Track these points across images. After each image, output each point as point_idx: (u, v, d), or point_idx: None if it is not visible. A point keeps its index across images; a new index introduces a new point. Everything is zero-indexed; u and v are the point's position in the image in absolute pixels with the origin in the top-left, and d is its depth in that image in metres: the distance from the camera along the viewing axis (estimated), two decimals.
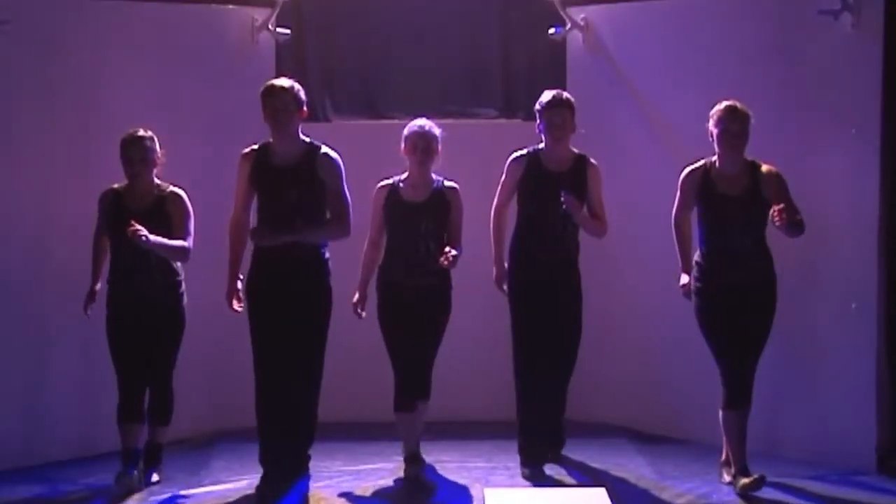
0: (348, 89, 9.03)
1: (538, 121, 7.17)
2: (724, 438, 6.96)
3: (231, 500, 6.91)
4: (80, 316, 7.03)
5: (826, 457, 7.35)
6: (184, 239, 6.95)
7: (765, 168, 6.83)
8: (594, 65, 8.67)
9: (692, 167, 6.95)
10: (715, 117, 6.82)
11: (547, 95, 7.19)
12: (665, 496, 6.92)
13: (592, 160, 7.23)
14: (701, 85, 7.95)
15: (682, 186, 6.99)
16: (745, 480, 6.75)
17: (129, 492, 6.87)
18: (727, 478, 6.97)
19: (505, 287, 7.24)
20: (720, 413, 6.90)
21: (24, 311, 7.54)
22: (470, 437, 8.20)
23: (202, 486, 7.21)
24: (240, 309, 6.90)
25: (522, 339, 7.19)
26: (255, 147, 6.93)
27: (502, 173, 7.27)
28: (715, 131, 6.81)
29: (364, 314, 7.17)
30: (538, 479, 7.09)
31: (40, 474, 7.43)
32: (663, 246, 8.19)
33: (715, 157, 6.87)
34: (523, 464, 7.23)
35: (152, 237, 6.72)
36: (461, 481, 7.25)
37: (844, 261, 7.39)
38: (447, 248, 6.95)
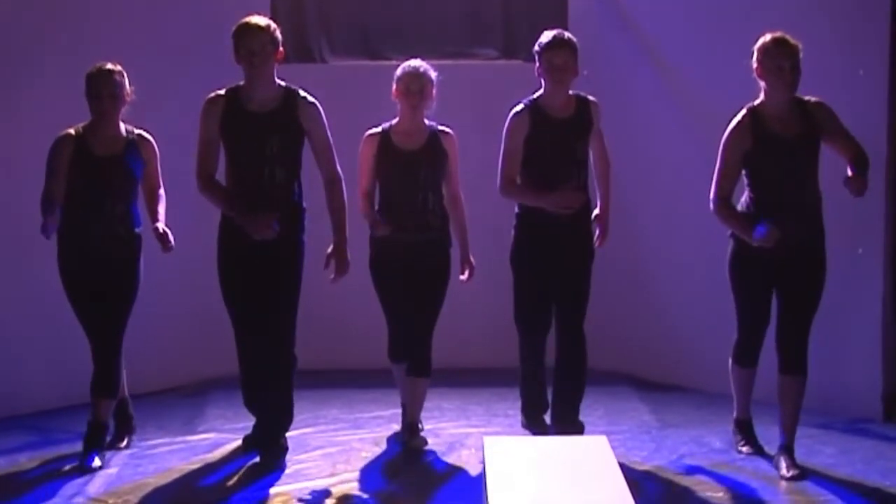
0: (345, 29, 8.84)
1: (537, 63, 6.69)
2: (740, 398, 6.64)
3: (225, 447, 6.84)
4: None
5: (832, 405, 7.27)
6: (159, 185, 6.67)
7: (812, 101, 6.29)
8: (597, 2, 8.52)
9: (736, 121, 6.26)
10: (762, 51, 6.18)
11: (547, 36, 6.70)
12: (668, 444, 6.88)
13: (591, 97, 6.82)
14: (705, 24, 7.82)
15: (728, 147, 6.26)
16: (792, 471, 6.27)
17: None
18: (744, 449, 6.62)
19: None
20: (736, 369, 6.57)
21: (4, 256, 7.41)
22: (469, 385, 8.14)
23: (196, 433, 7.15)
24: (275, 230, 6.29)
25: (526, 306, 6.79)
26: (222, 92, 6.49)
27: (503, 132, 6.67)
28: (763, 68, 6.18)
29: (388, 232, 6.61)
30: (537, 427, 6.96)
31: (32, 423, 7.36)
32: (668, 192, 8.11)
33: (759, 100, 6.27)
34: (524, 425, 7.04)
35: (169, 232, 6.48)
36: (460, 429, 7.18)
37: (850, 204, 7.24)
38: (466, 268, 6.78)
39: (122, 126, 6.62)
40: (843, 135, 6.30)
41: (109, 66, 6.55)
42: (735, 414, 6.72)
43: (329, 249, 6.51)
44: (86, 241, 6.53)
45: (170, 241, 6.52)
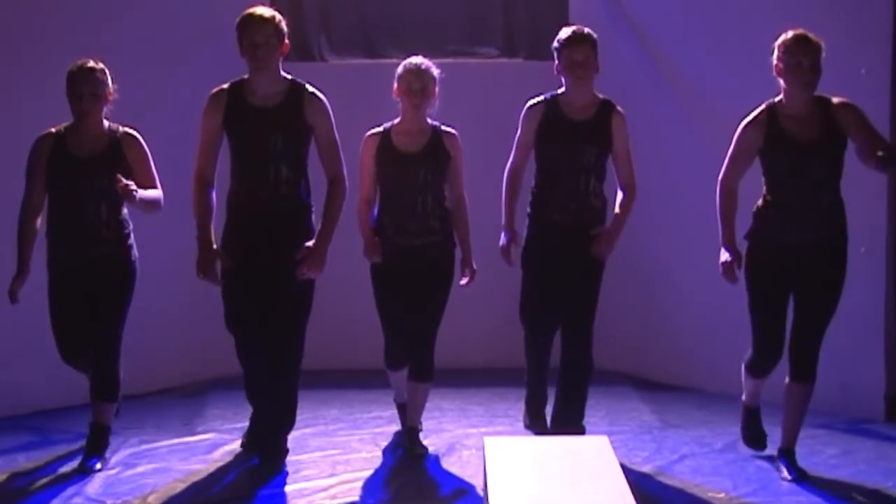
0: (345, 27, 8.81)
1: (556, 61, 6.56)
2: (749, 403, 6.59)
3: (225, 448, 6.81)
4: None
5: (834, 405, 7.24)
6: (154, 187, 6.37)
7: (836, 101, 6.08)
8: (598, 1, 8.49)
9: (752, 116, 6.11)
10: (782, 49, 6.02)
11: (566, 31, 6.55)
12: (669, 444, 6.86)
13: (619, 108, 6.63)
14: (706, 23, 7.80)
15: (739, 141, 6.14)
16: (793, 474, 6.24)
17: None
18: (747, 447, 6.62)
19: (512, 258, 6.66)
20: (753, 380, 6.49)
21: (2, 255, 7.38)
22: (469, 385, 8.12)
23: (196, 433, 7.12)
24: (218, 283, 6.28)
25: (532, 304, 6.71)
26: (226, 86, 6.32)
27: (517, 127, 6.65)
28: (782, 65, 6.02)
29: (380, 259, 6.55)
30: (539, 427, 6.93)
31: (31, 423, 7.34)
32: (669, 191, 8.09)
33: (778, 98, 6.11)
34: (527, 425, 6.98)
35: (140, 193, 6.12)
36: (460, 430, 7.16)
37: (852, 203, 7.21)
38: (467, 272, 6.62)
39: (106, 124, 6.40)
40: (871, 136, 6.03)
41: (91, 63, 6.32)
42: (744, 399, 6.58)
43: (310, 243, 6.28)
44: (69, 243, 6.34)
45: (124, 183, 6.03)
